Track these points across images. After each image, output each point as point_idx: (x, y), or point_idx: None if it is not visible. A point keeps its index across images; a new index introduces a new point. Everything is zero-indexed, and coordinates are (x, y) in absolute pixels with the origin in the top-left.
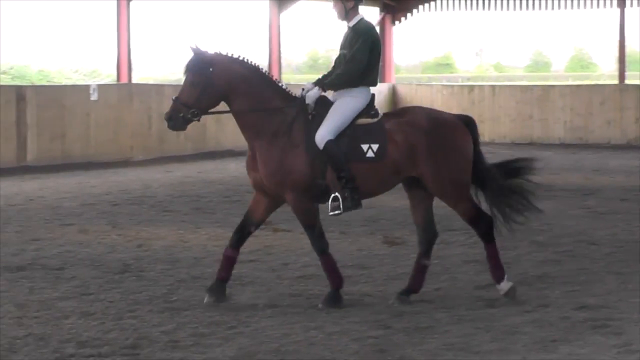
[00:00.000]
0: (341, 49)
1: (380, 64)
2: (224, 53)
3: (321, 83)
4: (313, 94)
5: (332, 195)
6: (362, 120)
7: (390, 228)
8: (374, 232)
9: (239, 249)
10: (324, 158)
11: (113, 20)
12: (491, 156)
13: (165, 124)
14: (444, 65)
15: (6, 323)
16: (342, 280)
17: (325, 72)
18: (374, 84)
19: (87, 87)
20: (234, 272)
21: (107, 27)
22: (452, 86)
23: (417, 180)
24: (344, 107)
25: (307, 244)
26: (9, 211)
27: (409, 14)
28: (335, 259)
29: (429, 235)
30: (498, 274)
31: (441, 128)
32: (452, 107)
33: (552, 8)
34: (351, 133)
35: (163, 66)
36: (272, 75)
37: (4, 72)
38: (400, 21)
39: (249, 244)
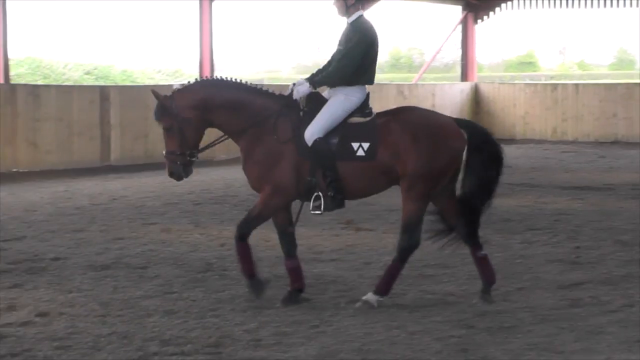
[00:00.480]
0: (338, 45)
1: (463, 62)
2: (179, 85)
3: (312, 80)
4: (302, 90)
5: (315, 194)
6: (355, 119)
7: None
8: None
9: (296, 256)
10: (312, 156)
11: (196, 20)
12: (574, 155)
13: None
14: (527, 64)
15: (91, 321)
16: (254, 270)
17: (403, 71)
18: (370, 83)
19: (170, 87)
20: (315, 271)
21: (189, 27)
22: (535, 84)
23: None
24: (336, 105)
25: (389, 242)
26: (93, 210)
27: (491, 12)
28: (250, 249)
29: (466, 230)
30: (382, 287)
31: (430, 127)
32: (534, 105)
33: (637, 5)
34: (342, 131)
35: (245, 66)
36: (240, 79)
37: (88, 73)
38: (482, 19)
39: (331, 243)
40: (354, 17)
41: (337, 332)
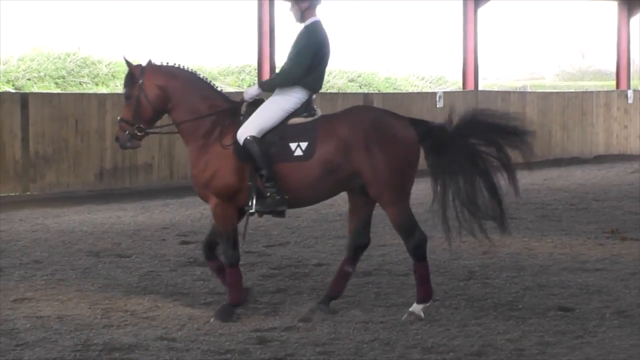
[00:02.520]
0: (290, 49)
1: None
2: (155, 63)
3: (261, 83)
4: (250, 92)
5: (253, 196)
6: (295, 120)
7: None
8: None
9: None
10: (245, 156)
11: (460, 26)
12: None
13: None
14: None
15: (353, 327)
16: (242, 299)
17: None
18: (314, 88)
19: (434, 94)
20: (579, 280)
21: (454, 33)
22: None
23: (361, 187)
24: (271, 105)
25: None
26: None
27: None
28: (241, 275)
29: (357, 242)
30: (422, 294)
31: (382, 127)
32: None
33: None
34: (281, 132)
35: (508, 72)
36: (210, 80)
37: (352, 80)
38: None
39: (596, 252)
40: (308, 21)
41: (602, 343)
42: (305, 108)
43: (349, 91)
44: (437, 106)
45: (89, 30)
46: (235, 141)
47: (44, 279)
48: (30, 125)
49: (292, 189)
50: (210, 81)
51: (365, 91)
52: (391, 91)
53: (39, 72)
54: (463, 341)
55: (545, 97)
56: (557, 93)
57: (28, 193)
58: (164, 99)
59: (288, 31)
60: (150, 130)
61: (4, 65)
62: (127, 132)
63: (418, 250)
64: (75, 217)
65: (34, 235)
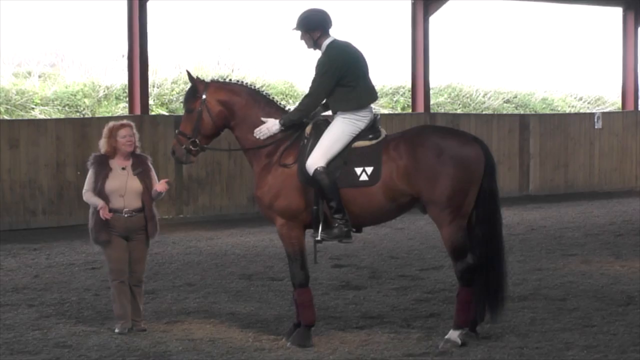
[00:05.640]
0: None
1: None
2: (218, 79)
3: (281, 119)
4: (270, 128)
5: (320, 222)
6: (360, 143)
7: None
8: None
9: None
10: (314, 185)
11: (619, 44)
12: None
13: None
14: None
15: (507, 352)
16: (314, 319)
17: None
18: (367, 101)
19: (592, 115)
20: None
21: (613, 52)
22: None
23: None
24: (336, 131)
25: None
26: (511, 240)
27: None
28: (312, 295)
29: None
30: (460, 320)
31: (443, 148)
32: None
33: None
34: (346, 157)
35: None
36: (272, 96)
37: (508, 101)
38: None
39: None
40: (323, 46)
41: None
42: (370, 129)
43: (504, 112)
44: (595, 127)
45: (245, 51)
46: (300, 166)
47: (197, 302)
48: None
49: (355, 213)
50: (273, 97)
51: (522, 112)
52: (547, 112)
53: None
54: None
55: None
56: None
57: (181, 216)
58: (226, 116)
59: (443, 51)
60: (207, 147)
61: (158, 88)
62: (183, 146)
63: (466, 275)
64: (228, 240)
65: (187, 258)
